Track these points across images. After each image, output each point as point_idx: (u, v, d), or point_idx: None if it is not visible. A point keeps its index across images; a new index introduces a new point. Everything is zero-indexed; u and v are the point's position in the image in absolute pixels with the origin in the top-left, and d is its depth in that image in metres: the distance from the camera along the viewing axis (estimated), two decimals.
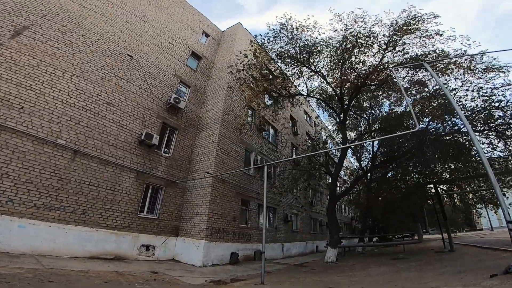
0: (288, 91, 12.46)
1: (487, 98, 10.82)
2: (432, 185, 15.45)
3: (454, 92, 11.44)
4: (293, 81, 13.04)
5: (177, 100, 11.37)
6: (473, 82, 11.18)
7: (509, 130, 10.69)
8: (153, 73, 11.51)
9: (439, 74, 10.10)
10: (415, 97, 11.34)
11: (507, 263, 5.08)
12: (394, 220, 20.41)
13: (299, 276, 8.26)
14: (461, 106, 10.90)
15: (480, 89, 10.95)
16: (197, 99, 13.21)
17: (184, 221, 10.73)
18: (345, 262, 11.57)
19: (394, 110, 13.89)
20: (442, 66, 9.88)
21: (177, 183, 11.02)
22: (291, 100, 13.74)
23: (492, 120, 10.42)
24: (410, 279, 6.15)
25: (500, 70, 10.54)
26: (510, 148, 10.91)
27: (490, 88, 10.90)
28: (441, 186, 16.75)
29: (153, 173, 10.24)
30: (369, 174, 18.11)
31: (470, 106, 10.82)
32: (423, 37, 10.39)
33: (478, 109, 10.59)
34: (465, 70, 10.21)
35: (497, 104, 10.65)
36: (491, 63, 10.74)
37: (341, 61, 11.49)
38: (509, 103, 10.55)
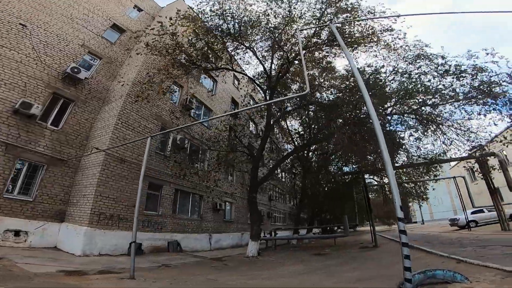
0: (213, 64, 11.32)
1: (415, 82, 10.38)
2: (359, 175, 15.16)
3: (384, 75, 10.94)
4: (220, 54, 11.93)
5: (75, 70, 10.03)
6: (404, 67, 10.78)
7: (430, 115, 10.33)
8: (51, 43, 10.29)
9: (357, 48, 9.40)
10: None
11: (420, 265, 4.99)
12: (337, 211, 20.24)
13: (198, 273, 7.24)
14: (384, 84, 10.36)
15: (409, 74, 10.52)
16: (110, 71, 11.96)
17: (72, 205, 9.44)
18: (267, 257, 10.75)
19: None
20: (358, 34, 9.11)
21: (66, 161, 9.67)
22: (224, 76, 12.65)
23: (413, 103, 9.93)
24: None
25: (431, 59, 10.09)
26: (428, 133, 10.60)
27: (418, 74, 10.49)
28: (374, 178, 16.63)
29: (30, 148, 8.82)
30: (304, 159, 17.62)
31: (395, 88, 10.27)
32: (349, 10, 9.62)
33: (401, 91, 10.04)
34: (388, 47, 9.57)
35: (421, 89, 10.20)
36: (422, 48, 10.28)
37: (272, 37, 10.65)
38: (432, 88, 10.17)
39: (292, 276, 6.60)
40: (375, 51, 10.53)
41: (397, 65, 10.87)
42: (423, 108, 10.60)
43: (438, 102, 10.40)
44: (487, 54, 8.65)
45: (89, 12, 12.26)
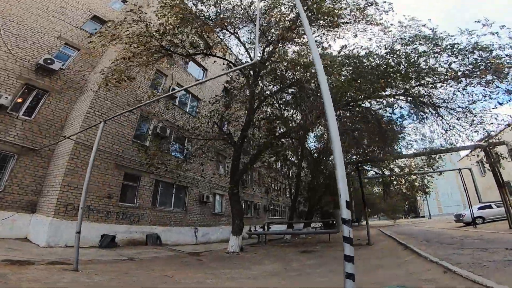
0: (187, 50, 10.84)
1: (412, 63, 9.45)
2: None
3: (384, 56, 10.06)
4: (200, 41, 11.43)
5: (49, 61, 9.98)
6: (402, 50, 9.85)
7: (425, 96, 9.37)
8: (23, 36, 10.31)
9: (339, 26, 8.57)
10: None
11: (400, 274, 4.80)
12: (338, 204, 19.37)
13: (159, 268, 6.87)
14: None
15: (408, 56, 9.58)
16: (89, 62, 11.77)
17: (42, 196, 9.37)
18: (250, 254, 10.24)
19: None
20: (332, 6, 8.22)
21: (38, 151, 9.60)
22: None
23: (407, 81, 9.01)
24: None
25: (428, 40, 9.12)
26: (427, 119, 9.66)
27: (417, 55, 9.54)
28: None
29: (1, 138, 8.77)
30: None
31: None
32: None
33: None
34: (374, 24, 8.70)
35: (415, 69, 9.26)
36: (419, 28, 9.33)
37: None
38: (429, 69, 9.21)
39: (261, 278, 6.04)
40: (364, 30, 9.68)
41: (393, 46, 9.96)
42: (416, 88, 9.65)
43: (435, 81, 9.42)
44: (483, 26, 7.66)
45: (66, 5, 12.27)
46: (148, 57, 9.61)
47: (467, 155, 20.21)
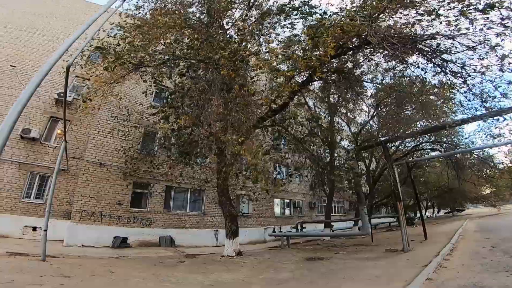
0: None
1: None
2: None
3: None
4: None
5: (61, 95, 12.45)
6: None
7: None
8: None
9: None
10: None
11: None
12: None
13: (127, 265, 7.99)
14: None
15: None
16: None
17: (73, 205, 11.77)
18: (247, 259, 9.77)
19: None
20: None
21: (67, 170, 12.15)
22: None
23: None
24: None
25: None
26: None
27: None
28: None
29: (38, 164, 11.67)
30: None
31: None
32: None
33: None
34: None
35: None
36: None
37: None
38: None
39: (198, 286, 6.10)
40: None
41: None
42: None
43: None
44: None
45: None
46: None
47: None
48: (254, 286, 5.96)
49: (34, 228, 11.15)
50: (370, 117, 16.25)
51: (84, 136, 13.08)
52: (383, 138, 12.54)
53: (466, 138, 15.62)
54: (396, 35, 5.95)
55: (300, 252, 11.41)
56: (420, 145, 17.58)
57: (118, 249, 10.86)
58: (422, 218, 11.83)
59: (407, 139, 16.60)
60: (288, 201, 19.16)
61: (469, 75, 7.01)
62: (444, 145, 15.89)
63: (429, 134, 16.33)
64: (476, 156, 16.41)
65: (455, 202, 33.18)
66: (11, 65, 12.55)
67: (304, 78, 9.18)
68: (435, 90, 10.03)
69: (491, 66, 6.73)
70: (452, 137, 15.73)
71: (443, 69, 7.56)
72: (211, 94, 7.56)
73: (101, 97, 10.09)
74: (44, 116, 12.44)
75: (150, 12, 8.91)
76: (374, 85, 12.40)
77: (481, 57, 6.73)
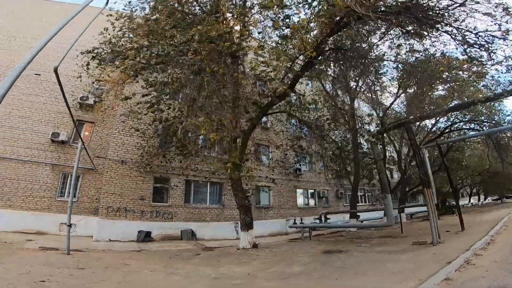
0: None
1: None
2: None
3: None
4: None
5: (84, 98, 13.30)
6: None
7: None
8: (62, 81, 13.83)
9: None
10: None
11: None
12: None
13: (144, 258, 8.45)
14: None
15: None
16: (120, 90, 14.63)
17: (100, 202, 12.60)
18: (262, 252, 9.69)
19: None
20: None
21: (95, 169, 12.99)
22: None
23: None
24: None
25: None
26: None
27: None
28: None
29: (68, 164, 12.62)
30: None
31: None
32: None
33: None
34: None
35: None
36: None
37: None
38: None
39: (200, 279, 6.19)
40: None
41: None
42: None
43: None
44: None
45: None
46: None
47: None
48: (258, 280, 5.86)
49: (69, 226, 12.12)
50: (395, 98, 15.10)
51: (108, 136, 13.83)
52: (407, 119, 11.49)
53: (508, 115, 13.85)
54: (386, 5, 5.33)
55: (320, 245, 11.02)
56: (454, 126, 15.96)
57: (142, 243, 11.42)
58: (458, 206, 10.73)
59: (441, 120, 15.18)
60: (312, 191, 18.69)
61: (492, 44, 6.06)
62: (483, 124, 14.22)
63: (464, 113, 14.83)
64: None
65: (503, 187, 29.75)
66: (36, 73, 13.40)
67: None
68: (465, 66, 9.01)
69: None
70: (493, 115, 14.04)
71: (464, 41, 6.68)
72: (185, 80, 7.52)
73: (115, 97, 10.54)
74: (70, 120, 13.35)
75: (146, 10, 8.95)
76: (397, 64, 11.48)
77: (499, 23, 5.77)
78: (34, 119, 12.78)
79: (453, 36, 6.47)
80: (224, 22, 6.79)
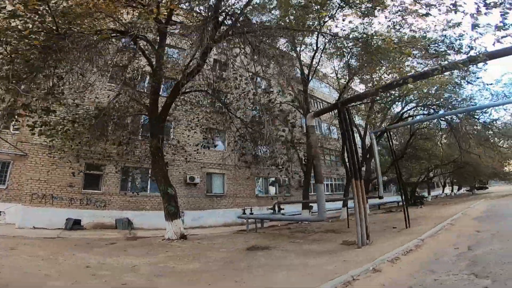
0: None
1: None
2: None
3: None
4: None
5: None
6: None
7: None
8: None
9: None
10: None
11: None
12: None
13: (47, 245, 8.18)
14: None
15: None
16: None
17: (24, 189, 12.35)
18: (188, 244, 9.22)
19: None
20: None
21: (26, 156, 12.69)
22: None
23: None
24: None
25: None
26: None
27: None
28: None
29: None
30: None
31: None
32: None
33: None
34: None
35: None
36: None
37: None
38: None
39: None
40: None
41: None
42: None
43: None
44: None
45: None
46: None
47: None
48: (132, 274, 5.44)
49: None
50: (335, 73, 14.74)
51: None
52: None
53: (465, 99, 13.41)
54: None
55: (257, 238, 10.29)
56: (416, 111, 15.60)
57: (71, 231, 11.20)
58: (404, 202, 10.35)
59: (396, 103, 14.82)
60: (273, 179, 18.36)
61: None
62: (439, 108, 13.81)
63: (422, 97, 14.43)
64: (477, 121, 14.03)
65: (473, 178, 29.62)
66: None
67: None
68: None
69: None
70: (451, 100, 13.62)
71: None
72: None
73: None
74: None
75: None
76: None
77: None
78: None
79: None
80: None
